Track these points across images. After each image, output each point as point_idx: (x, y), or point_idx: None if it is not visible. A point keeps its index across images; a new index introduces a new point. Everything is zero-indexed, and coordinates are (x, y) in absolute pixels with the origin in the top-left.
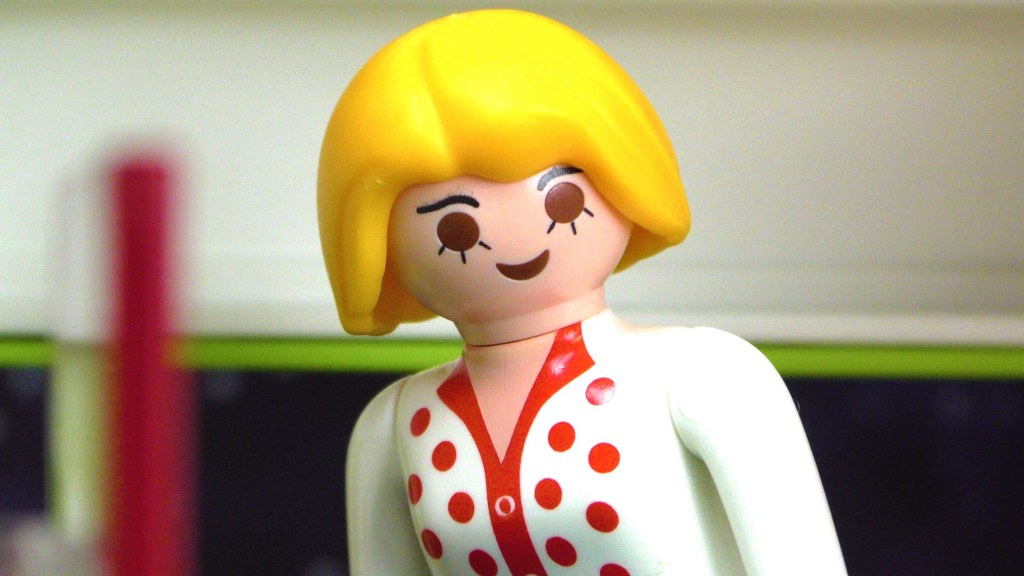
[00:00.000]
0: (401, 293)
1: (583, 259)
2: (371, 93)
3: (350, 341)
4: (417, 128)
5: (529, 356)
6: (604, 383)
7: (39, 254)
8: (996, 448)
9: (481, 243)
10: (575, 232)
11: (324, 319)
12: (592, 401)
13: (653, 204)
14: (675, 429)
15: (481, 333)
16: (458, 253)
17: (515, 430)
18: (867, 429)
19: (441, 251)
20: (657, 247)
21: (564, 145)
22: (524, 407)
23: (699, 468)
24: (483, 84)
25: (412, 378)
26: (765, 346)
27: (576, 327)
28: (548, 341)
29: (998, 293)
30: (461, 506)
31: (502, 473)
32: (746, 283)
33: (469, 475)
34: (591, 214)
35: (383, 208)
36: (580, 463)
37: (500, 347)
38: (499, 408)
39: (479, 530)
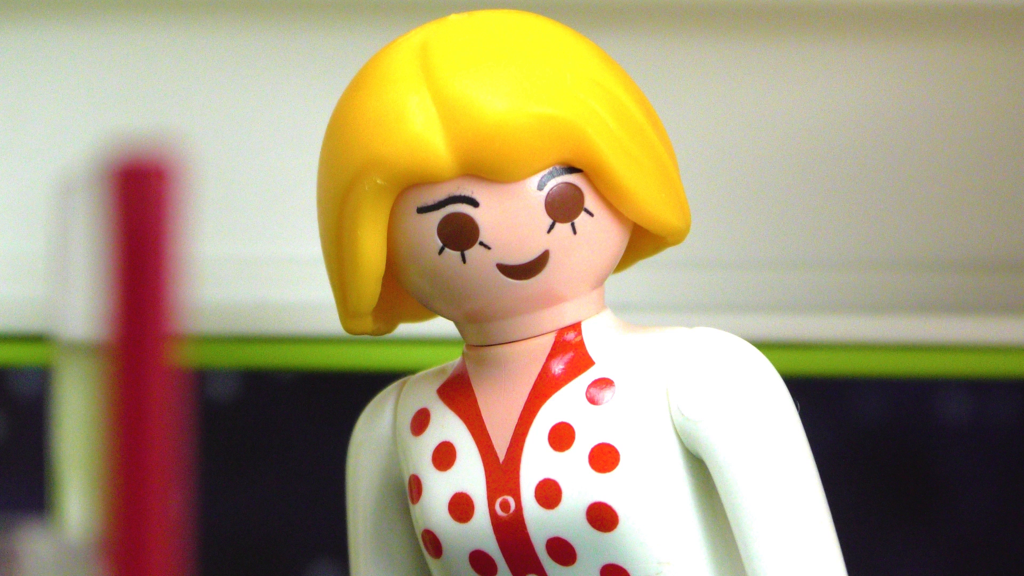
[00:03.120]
0: (401, 293)
1: (583, 259)
2: (371, 93)
3: (350, 341)
4: (417, 128)
5: (529, 356)
6: (604, 383)
7: (39, 254)
8: (996, 448)
9: (481, 243)
10: (575, 232)
11: (324, 319)
12: (592, 401)
13: (653, 204)
14: (675, 429)
15: (481, 333)
16: (458, 253)
17: (515, 430)
18: (867, 429)
19: (441, 251)
20: (657, 247)
21: (564, 145)
22: (524, 407)
23: (699, 468)
24: (483, 84)
25: (412, 378)
26: (765, 346)
27: (576, 327)
28: (548, 341)
29: (998, 293)
30: (461, 506)
31: (502, 473)
32: (746, 283)
33: (469, 475)
34: (591, 214)
35: (383, 208)
36: (580, 463)
37: (500, 347)
38: (499, 408)
39: (479, 530)
